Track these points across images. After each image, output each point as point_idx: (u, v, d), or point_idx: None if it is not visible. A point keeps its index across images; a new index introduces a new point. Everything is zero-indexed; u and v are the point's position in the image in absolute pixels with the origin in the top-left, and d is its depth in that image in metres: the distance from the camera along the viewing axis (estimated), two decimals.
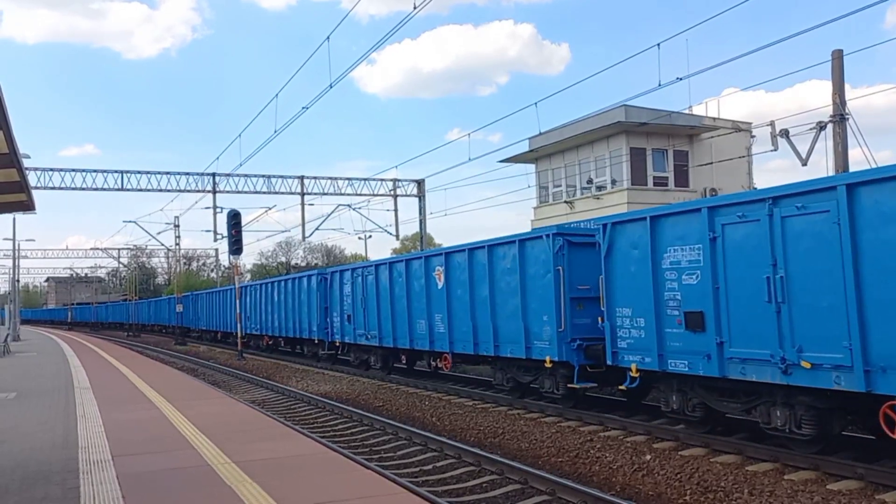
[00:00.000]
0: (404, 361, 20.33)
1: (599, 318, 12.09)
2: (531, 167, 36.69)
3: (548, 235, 13.36)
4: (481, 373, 19.91)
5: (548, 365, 13.35)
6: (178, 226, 49.91)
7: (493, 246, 15.09)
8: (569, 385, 13.09)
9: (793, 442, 9.37)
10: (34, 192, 12.87)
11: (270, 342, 32.49)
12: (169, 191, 35.96)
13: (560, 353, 13.00)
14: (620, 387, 12.08)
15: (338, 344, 23.65)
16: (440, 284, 16.90)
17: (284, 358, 30.04)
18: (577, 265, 13.14)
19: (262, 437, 9.80)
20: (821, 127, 17.52)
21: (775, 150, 18.66)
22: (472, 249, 15.81)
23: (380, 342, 20.19)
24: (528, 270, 13.92)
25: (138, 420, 11.53)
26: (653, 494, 8.95)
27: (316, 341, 25.56)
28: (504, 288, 14.65)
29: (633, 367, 11.30)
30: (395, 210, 40.03)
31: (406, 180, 40.10)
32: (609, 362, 11.86)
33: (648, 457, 10.05)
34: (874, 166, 12.03)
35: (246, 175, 36.61)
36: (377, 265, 20.63)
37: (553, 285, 13.11)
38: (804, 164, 18.10)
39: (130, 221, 60.68)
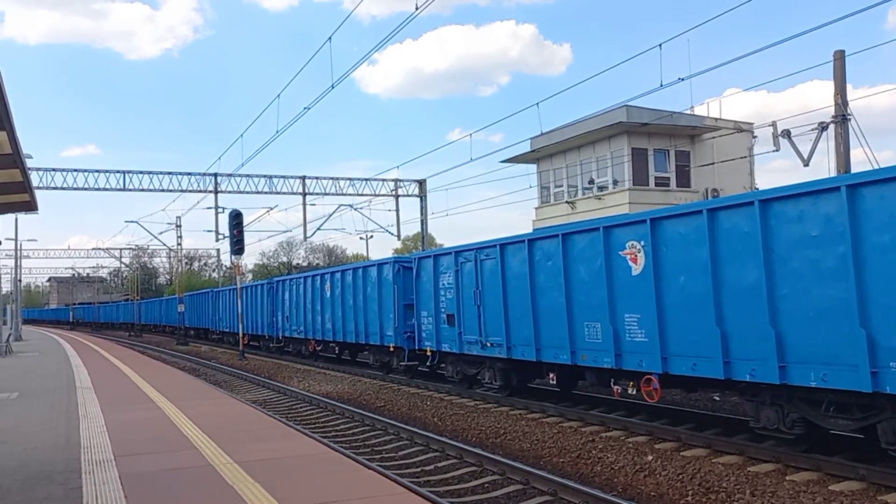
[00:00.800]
0: (554, 381, 14.11)
1: None
2: (533, 167, 36.72)
3: None
4: (693, 404, 14.49)
5: None
6: (179, 226, 50.04)
7: (771, 201, 9.24)
8: None
9: None
10: (36, 192, 12.89)
11: (318, 347, 26.98)
12: (171, 191, 36.10)
13: None
14: None
15: (429, 353, 17.92)
16: (636, 269, 11.38)
17: (286, 358, 30.00)
18: None
19: (263, 437, 9.80)
20: (822, 127, 17.54)
21: (777, 150, 18.68)
22: (714, 210, 10.01)
23: (508, 353, 14.55)
24: (875, 236, 8.07)
25: (140, 420, 11.54)
26: (655, 495, 8.94)
27: (391, 349, 20.14)
28: (804, 271, 8.81)
29: None
30: (397, 210, 40.14)
31: (407, 180, 40.19)
32: None
33: (650, 457, 10.04)
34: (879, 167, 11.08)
35: (248, 175, 36.75)
36: (503, 245, 14.78)
37: None
38: (806, 164, 18.14)
39: (132, 221, 61.01)
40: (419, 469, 10.43)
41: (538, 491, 8.92)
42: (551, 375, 14.00)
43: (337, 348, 25.48)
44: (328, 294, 24.93)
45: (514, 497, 8.88)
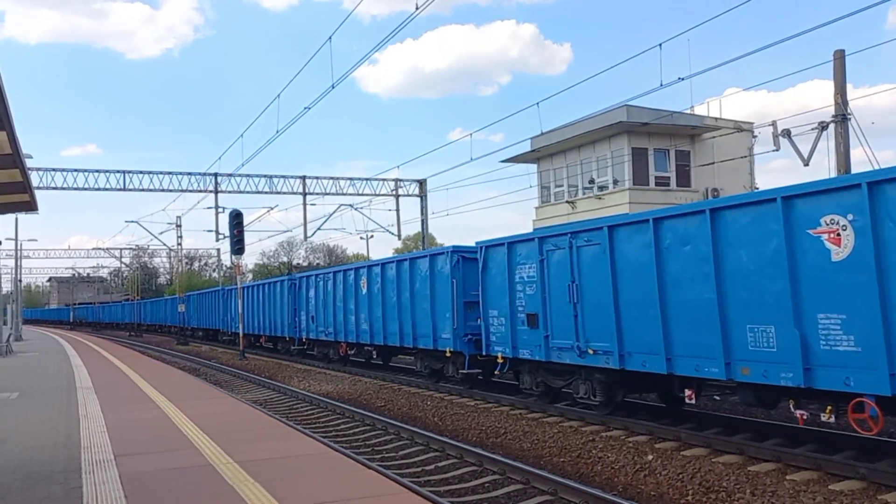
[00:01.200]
0: (693, 399, 11.11)
1: None
2: (533, 167, 36.74)
3: None
4: None
5: None
6: (179, 226, 50.12)
7: None
8: None
9: None
10: (36, 192, 12.89)
11: (351, 351, 23.92)
12: (171, 191, 36.18)
13: None
14: None
15: (499, 360, 14.87)
16: (839, 253, 8.46)
17: (285, 358, 29.98)
18: None
19: (263, 436, 9.80)
20: (823, 127, 17.58)
21: (777, 150, 18.73)
22: None
23: (620, 362, 11.63)
24: None
25: (140, 420, 11.54)
26: (655, 495, 8.94)
27: (447, 353, 17.23)
28: None
29: None
30: (397, 210, 40.20)
31: (408, 180, 40.23)
32: None
33: (650, 457, 10.04)
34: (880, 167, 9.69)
35: (248, 175, 36.82)
36: (613, 226, 11.97)
37: None
38: (806, 164, 18.19)
39: (132, 221, 60.90)
40: (419, 469, 10.43)
41: (538, 490, 8.92)
42: (688, 393, 11.00)
43: (375, 352, 22.62)
44: (364, 291, 21.87)
45: (515, 497, 8.87)
